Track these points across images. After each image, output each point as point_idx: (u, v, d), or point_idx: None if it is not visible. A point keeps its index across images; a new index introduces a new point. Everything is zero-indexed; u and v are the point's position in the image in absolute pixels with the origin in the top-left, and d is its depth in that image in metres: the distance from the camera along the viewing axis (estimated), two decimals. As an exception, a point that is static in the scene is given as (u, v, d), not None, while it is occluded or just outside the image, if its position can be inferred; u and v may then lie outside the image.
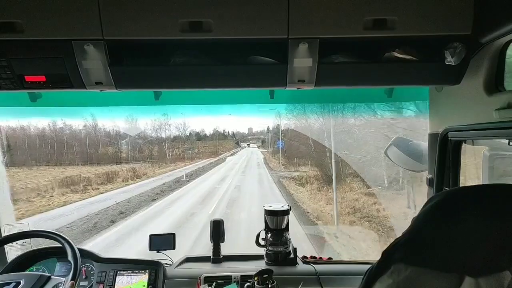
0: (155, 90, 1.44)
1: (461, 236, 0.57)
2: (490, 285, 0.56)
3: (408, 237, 0.63)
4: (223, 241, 1.75)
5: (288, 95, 1.66)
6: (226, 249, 1.77)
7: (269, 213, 1.68)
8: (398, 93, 1.58)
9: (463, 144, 1.29)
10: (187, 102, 1.69)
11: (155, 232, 1.70)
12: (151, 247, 1.67)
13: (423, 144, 1.51)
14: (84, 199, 15.38)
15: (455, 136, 1.25)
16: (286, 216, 1.69)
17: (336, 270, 1.59)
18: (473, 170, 1.43)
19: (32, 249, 1.60)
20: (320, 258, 1.72)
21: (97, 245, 8.30)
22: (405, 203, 9.34)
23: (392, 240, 0.66)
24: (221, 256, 1.73)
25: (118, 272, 1.56)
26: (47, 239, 1.36)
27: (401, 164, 1.62)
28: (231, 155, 38.61)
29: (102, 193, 16.79)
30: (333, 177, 11.55)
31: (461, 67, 1.05)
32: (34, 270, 1.55)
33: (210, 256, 1.73)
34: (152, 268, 1.57)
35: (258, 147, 44.18)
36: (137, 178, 21.28)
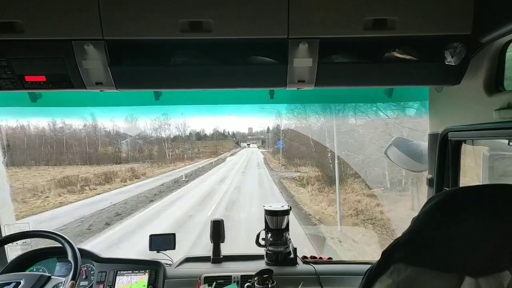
0: (155, 90, 1.44)
1: (461, 236, 0.57)
2: (490, 285, 0.56)
3: (408, 237, 0.63)
4: (223, 241, 1.75)
5: (288, 95, 1.66)
6: (226, 249, 1.77)
7: (269, 213, 1.68)
8: (398, 93, 1.58)
9: (463, 144, 1.29)
10: (187, 102, 1.69)
11: (146, 237, 1.69)
12: (151, 247, 1.67)
13: (423, 144, 1.51)
14: (80, 200, 15.14)
15: (455, 136, 1.25)
16: (286, 216, 1.69)
17: (336, 270, 1.59)
18: (474, 171, 1.43)
19: (32, 249, 1.60)
20: (320, 258, 1.72)
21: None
22: (409, 205, 9.17)
23: (397, 243, 0.64)
24: (221, 256, 1.73)
25: (118, 272, 1.56)
26: (47, 239, 1.36)
27: (401, 164, 1.62)
28: (231, 155, 38.60)
29: (99, 193, 16.55)
30: (336, 181, 11.16)
31: (461, 67, 1.05)
32: (34, 270, 1.55)
33: (210, 256, 1.73)
34: (152, 268, 1.57)
35: (258, 147, 44.20)
36: (135, 178, 21.12)
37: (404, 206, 9.36)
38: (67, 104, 1.66)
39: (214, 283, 1.48)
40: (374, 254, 7.23)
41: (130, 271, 1.56)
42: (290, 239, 1.72)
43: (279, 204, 1.71)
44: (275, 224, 1.68)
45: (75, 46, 1.00)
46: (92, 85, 1.08)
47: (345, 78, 1.13)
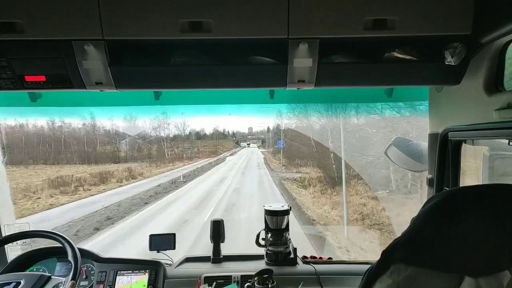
0: (155, 90, 1.44)
1: (461, 236, 0.57)
2: (490, 285, 0.56)
3: (408, 237, 0.63)
4: (223, 241, 1.75)
5: (288, 95, 1.66)
6: (226, 249, 1.77)
7: (269, 213, 1.68)
8: (398, 93, 1.58)
9: (463, 144, 1.29)
10: (187, 102, 1.69)
11: (141, 243, 1.68)
12: (151, 247, 1.67)
13: (423, 144, 1.51)
14: (73, 201, 14.64)
15: (455, 136, 1.25)
16: (286, 216, 1.69)
17: (336, 270, 1.59)
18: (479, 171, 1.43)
19: (32, 249, 1.60)
20: (320, 258, 1.72)
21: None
22: (416, 209, 8.56)
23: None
24: (221, 256, 1.73)
25: (118, 272, 1.56)
26: (47, 239, 1.36)
27: (401, 164, 1.62)
28: (231, 155, 38.60)
29: (93, 195, 16.06)
30: (343, 186, 10.52)
31: (461, 67, 1.05)
32: (34, 270, 1.55)
33: (210, 256, 1.73)
34: (152, 268, 1.57)
35: (258, 147, 44.21)
36: (132, 178, 20.73)
37: (412, 210, 8.76)
38: (67, 104, 1.66)
39: (214, 283, 1.48)
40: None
41: (130, 271, 1.56)
42: (290, 239, 1.72)
43: (279, 204, 1.71)
44: (275, 224, 1.68)
45: (75, 46, 1.00)
46: (92, 85, 1.08)
47: (345, 78, 1.13)
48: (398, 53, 1.05)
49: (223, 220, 1.76)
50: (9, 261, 1.55)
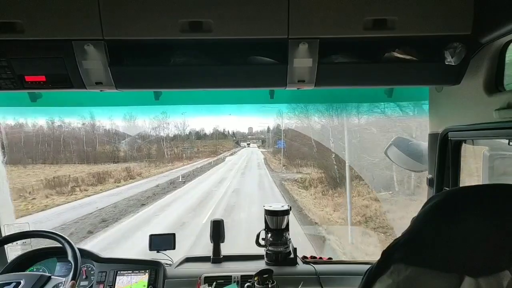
0: (155, 90, 1.44)
1: (461, 236, 0.57)
2: (490, 285, 0.56)
3: (408, 237, 0.63)
4: (223, 241, 1.75)
5: (288, 95, 1.66)
6: (226, 249, 1.77)
7: (269, 213, 1.68)
8: (398, 93, 1.58)
9: (463, 144, 1.29)
10: (187, 102, 1.69)
11: (135, 247, 1.66)
12: (151, 247, 1.67)
13: (423, 144, 1.51)
14: (68, 202, 14.24)
15: (455, 136, 1.25)
16: (286, 216, 1.69)
17: (336, 270, 1.59)
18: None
19: (32, 249, 1.60)
20: (320, 258, 1.72)
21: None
22: None
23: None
24: (221, 256, 1.73)
25: (118, 272, 1.56)
26: (47, 239, 1.36)
27: (401, 164, 1.62)
28: (231, 154, 38.59)
29: (89, 195, 15.65)
30: (347, 191, 9.86)
31: (461, 67, 1.05)
32: (34, 270, 1.55)
33: (210, 256, 1.73)
34: (152, 268, 1.57)
35: (258, 146, 44.20)
36: (130, 178, 20.41)
37: (416, 212, 8.43)
38: (67, 104, 1.66)
39: (214, 283, 1.48)
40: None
41: (130, 271, 1.56)
42: (290, 239, 1.72)
43: (279, 204, 1.71)
44: (275, 224, 1.68)
45: (75, 46, 1.00)
46: (92, 85, 1.08)
47: (345, 78, 1.13)
48: (398, 53, 1.05)
49: (223, 220, 1.76)
50: (9, 261, 1.55)
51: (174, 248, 1.67)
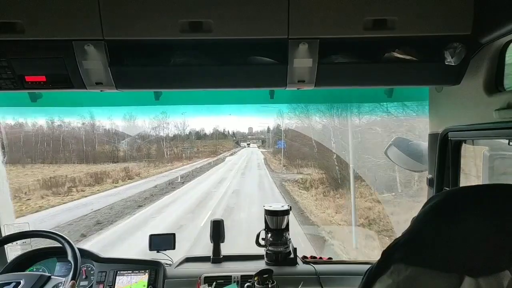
0: (155, 90, 1.44)
1: (461, 236, 0.57)
2: (490, 285, 0.56)
3: (408, 237, 0.63)
4: (223, 241, 1.75)
5: (288, 95, 1.66)
6: (226, 249, 1.77)
7: (269, 213, 1.68)
8: (398, 93, 1.58)
9: (463, 144, 1.29)
10: (187, 102, 1.69)
11: (130, 251, 1.64)
12: (151, 247, 1.67)
13: (423, 144, 1.51)
14: (64, 203, 13.88)
15: (455, 136, 1.25)
16: (286, 216, 1.69)
17: (336, 270, 1.59)
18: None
19: (32, 249, 1.60)
20: (320, 258, 1.72)
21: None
22: None
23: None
24: (221, 256, 1.73)
25: (118, 272, 1.56)
26: (47, 239, 1.36)
27: (401, 164, 1.62)
28: (231, 155, 38.57)
29: (86, 196, 15.29)
30: (352, 195, 9.17)
31: (461, 67, 1.05)
32: (34, 270, 1.55)
33: (210, 256, 1.73)
34: (152, 268, 1.57)
35: (258, 147, 44.19)
36: (128, 179, 20.13)
37: None
38: (67, 104, 1.66)
39: (214, 283, 1.48)
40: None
41: (130, 271, 1.56)
42: (290, 239, 1.72)
43: (279, 204, 1.71)
44: (275, 224, 1.68)
45: (75, 46, 1.00)
46: (92, 85, 1.08)
47: (345, 78, 1.13)
48: (398, 53, 1.05)
49: (223, 220, 1.76)
50: (9, 261, 1.55)
51: (174, 248, 1.67)
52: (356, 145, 11.27)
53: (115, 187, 17.89)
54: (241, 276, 1.51)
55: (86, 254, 1.58)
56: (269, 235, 1.70)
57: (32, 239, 1.54)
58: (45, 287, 1.20)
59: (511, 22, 0.88)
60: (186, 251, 6.90)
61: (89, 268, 1.59)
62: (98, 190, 16.81)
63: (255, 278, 1.37)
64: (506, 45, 1.01)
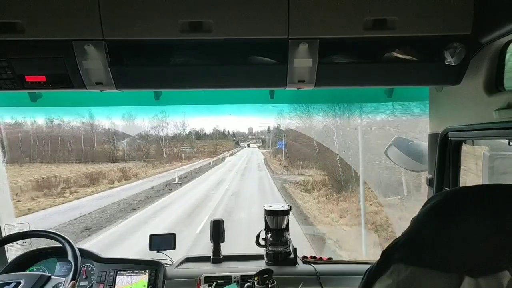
0: (155, 90, 1.44)
1: (461, 236, 0.57)
2: (490, 285, 0.56)
3: (408, 237, 0.63)
4: (223, 241, 1.75)
5: (288, 95, 1.67)
6: (226, 249, 1.77)
7: (269, 213, 1.68)
8: (398, 93, 1.58)
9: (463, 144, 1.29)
10: (187, 102, 1.69)
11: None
12: (151, 247, 1.67)
13: (423, 144, 1.51)
14: (55, 205, 13.14)
15: (455, 136, 1.25)
16: (286, 216, 1.69)
17: (336, 270, 1.59)
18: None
19: (32, 249, 1.60)
20: (320, 258, 1.72)
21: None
22: None
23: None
24: (221, 256, 1.73)
25: (118, 272, 1.56)
26: (47, 239, 1.36)
27: (401, 164, 1.62)
28: (231, 155, 38.56)
29: (79, 198, 14.62)
30: (361, 200, 8.36)
31: (461, 67, 1.05)
32: (34, 270, 1.55)
33: (210, 256, 1.73)
34: (152, 268, 1.57)
35: (259, 147, 44.19)
36: (125, 179, 19.55)
37: None
38: (67, 104, 1.66)
39: (214, 283, 1.48)
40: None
41: (130, 271, 1.56)
42: (290, 239, 1.72)
43: (279, 204, 1.71)
44: (275, 224, 1.69)
45: (75, 46, 1.00)
46: (92, 85, 1.08)
47: (345, 78, 1.13)
48: (398, 53, 1.05)
49: (223, 220, 1.76)
50: (9, 261, 1.56)
51: (174, 248, 1.67)
52: (357, 146, 10.82)
53: (110, 188, 17.21)
54: (241, 276, 1.51)
55: (86, 254, 1.58)
56: (269, 235, 1.70)
57: (32, 239, 1.54)
58: (45, 287, 1.20)
59: (511, 22, 0.88)
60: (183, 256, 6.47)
61: (89, 268, 1.59)
62: (92, 192, 16.19)
63: (255, 278, 1.37)
64: (506, 45, 1.01)
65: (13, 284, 1.17)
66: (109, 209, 12.39)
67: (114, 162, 23.40)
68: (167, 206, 12.64)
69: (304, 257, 1.71)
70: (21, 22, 0.97)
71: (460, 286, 0.56)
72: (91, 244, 8.43)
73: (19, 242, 1.53)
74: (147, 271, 1.56)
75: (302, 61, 1.04)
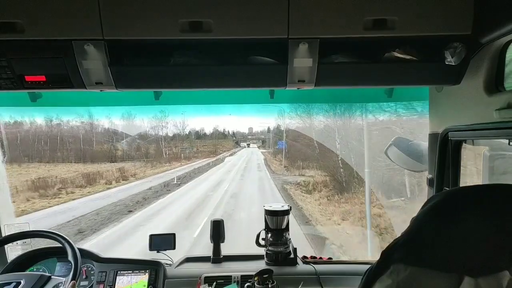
0: (155, 90, 1.44)
1: (461, 236, 0.57)
2: (490, 285, 0.56)
3: (408, 237, 0.63)
4: (223, 241, 1.75)
5: (288, 95, 1.67)
6: (226, 249, 1.77)
7: (269, 213, 1.68)
8: (398, 93, 1.58)
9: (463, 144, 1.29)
10: (187, 102, 1.69)
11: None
12: (151, 247, 1.67)
13: (423, 144, 1.51)
14: (50, 206, 12.67)
15: (455, 136, 1.25)
16: (286, 216, 1.69)
17: (336, 270, 1.59)
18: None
19: (32, 249, 1.60)
20: (320, 258, 1.72)
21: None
22: None
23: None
24: (221, 256, 1.73)
25: (119, 272, 1.56)
26: (47, 239, 1.36)
27: (401, 164, 1.62)
28: (230, 155, 38.51)
29: (74, 199, 14.19)
30: (367, 206, 7.81)
31: (461, 67, 1.05)
32: (35, 270, 1.55)
33: (210, 256, 1.73)
34: (152, 268, 1.57)
35: (259, 147, 44.13)
36: (123, 180, 19.12)
37: None
38: (67, 104, 1.66)
39: (214, 283, 1.48)
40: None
41: (130, 271, 1.56)
42: (290, 239, 1.72)
43: (279, 204, 1.71)
44: (275, 224, 1.69)
45: (75, 46, 1.00)
46: (92, 85, 1.08)
47: (345, 78, 1.13)
48: (398, 53, 1.05)
49: (223, 220, 1.76)
50: (9, 261, 1.56)
51: (174, 248, 1.67)
52: (358, 146, 10.71)
53: (108, 188, 16.79)
54: (241, 276, 1.51)
55: (86, 254, 1.58)
56: (269, 235, 1.70)
57: (32, 239, 1.54)
58: (45, 287, 1.20)
59: (511, 22, 0.88)
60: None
61: (89, 268, 1.59)
62: (89, 192, 15.75)
63: (255, 278, 1.37)
64: (506, 45, 1.01)
65: (13, 284, 1.17)
66: (105, 211, 12.00)
67: (113, 162, 23.25)
68: (164, 208, 12.34)
69: (304, 257, 1.71)
70: (21, 22, 0.97)
71: (460, 286, 0.56)
72: (87, 246, 8.27)
73: (19, 242, 1.53)
74: (147, 271, 1.56)
75: (302, 61, 1.04)
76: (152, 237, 1.68)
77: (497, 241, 0.56)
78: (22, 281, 1.18)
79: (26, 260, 1.56)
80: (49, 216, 11.36)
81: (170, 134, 31.73)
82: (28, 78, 1.06)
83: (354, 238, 8.63)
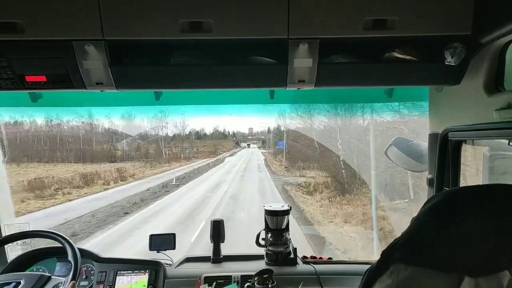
0: (156, 90, 1.44)
1: (461, 236, 0.57)
2: (490, 285, 0.56)
3: (408, 237, 0.63)
4: (223, 241, 1.75)
5: (288, 95, 1.67)
6: (226, 249, 1.77)
7: (269, 213, 1.68)
8: (398, 93, 1.58)
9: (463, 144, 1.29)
10: (188, 102, 1.70)
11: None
12: (151, 247, 1.67)
13: (423, 144, 1.51)
14: (45, 208, 12.38)
15: (455, 136, 1.25)
16: (286, 216, 1.69)
17: (336, 270, 1.59)
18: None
19: (32, 249, 1.60)
20: (320, 258, 1.72)
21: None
22: None
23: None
24: (221, 256, 1.73)
25: (118, 272, 1.56)
26: (47, 239, 1.36)
27: (401, 164, 1.62)
28: (230, 155, 38.47)
29: (71, 200, 13.91)
30: (373, 209, 7.64)
31: (461, 67, 1.05)
32: (34, 270, 1.56)
33: (210, 256, 1.73)
34: (152, 268, 1.57)
35: (259, 147, 44.10)
36: (121, 180, 18.91)
37: None
38: (67, 104, 1.67)
39: (214, 283, 1.48)
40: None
41: (130, 271, 1.56)
42: (290, 239, 1.72)
43: (279, 204, 1.72)
44: (275, 224, 1.69)
45: (75, 46, 1.00)
46: (92, 85, 1.08)
47: (345, 78, 1.13)
48: (398, 53, 1.05)
49: (223, 220, 1.76)
50: (9, 261, 1.56)
51: (174, 248, 1.67)
52: (359, 146, 10.63)
53: (105, 189, 16.54)
54: (241, 276, 1.51)
55: (86, 254, 1.58)
56: (269, 235, 1.70)
57: (32, 239, 1.54)
58: (45, 287, 1.20)
59: (511, 22, 0.88)
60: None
61: (89, 268, 1.59)
62: (86, 193, 15.49)
63: (255, 278, 1.37)
64: (506, 45, 1.01)
65: (13, 284, 1.17)
66: (101, 212, 11.68)
67: (113, 162, 23.23)
68: (161, 210, 12.12)
69: (304, 257, 1.71)
70: (21, 22, 0.97)
71: (460, 286, 0.56)
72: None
73: (19, 242, 1.53)
74: (147, 271, 1.56)
75: (302, 61, 1.04)
76: (152, 237, 1.68)
77: (497, 241, 0.56)
78: (22, 281, 1.18)
79: (26, 260, 1.56)
80: (43, 219, 11.05)
81: (170, 134, 31.76)
82: (28, 78, 1.06)
83: (357, 242, 8.48)
